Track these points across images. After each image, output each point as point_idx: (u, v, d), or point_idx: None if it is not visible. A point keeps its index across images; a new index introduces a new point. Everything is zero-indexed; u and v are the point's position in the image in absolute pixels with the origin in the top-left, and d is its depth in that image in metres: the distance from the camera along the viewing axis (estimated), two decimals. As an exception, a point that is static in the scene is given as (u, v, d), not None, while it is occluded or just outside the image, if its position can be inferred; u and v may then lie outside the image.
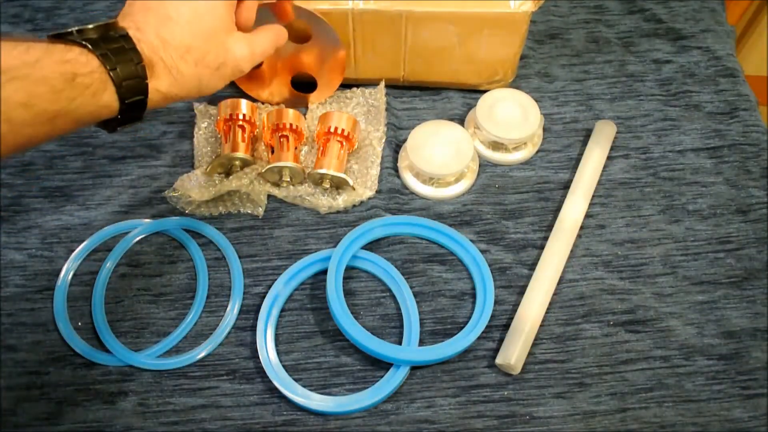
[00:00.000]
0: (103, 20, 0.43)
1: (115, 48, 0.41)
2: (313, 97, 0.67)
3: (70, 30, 0.41)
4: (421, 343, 0.54)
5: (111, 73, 0.41)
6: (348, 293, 0.57)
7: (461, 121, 0.67)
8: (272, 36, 0.53)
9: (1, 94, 0.36)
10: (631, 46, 0.73)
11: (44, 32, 0.73)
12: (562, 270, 0.58)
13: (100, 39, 0.41)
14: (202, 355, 0.54)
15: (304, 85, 0.67)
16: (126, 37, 0.43)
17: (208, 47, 0.47)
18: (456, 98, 0.69)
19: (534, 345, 0.54)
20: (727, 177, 0.64)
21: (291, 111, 0.61)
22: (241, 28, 0.50)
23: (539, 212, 0.62)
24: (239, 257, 0.59)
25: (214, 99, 0.68)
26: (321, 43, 0.62)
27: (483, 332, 0.54)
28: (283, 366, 0.53)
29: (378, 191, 0.62)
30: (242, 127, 0.61)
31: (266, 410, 0.52)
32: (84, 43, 0.41)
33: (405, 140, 0.64)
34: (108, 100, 0.41)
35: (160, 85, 0.44)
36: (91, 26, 0.42)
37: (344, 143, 0.61)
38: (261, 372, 0.53)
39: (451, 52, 0.64)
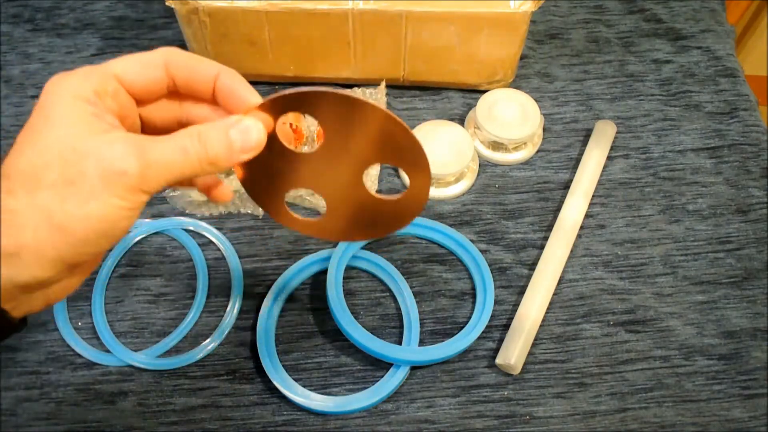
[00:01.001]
0: None
1: None
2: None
3: None
4: (421, 343, 0.54)
5: None
6: (348, 293, 0.57)
7: (461, 121, 0.67)
8: (189, 143, 0.33)
9: None
10: (631, 46, 0.73)
11: (44, 32, 0.74)
12: (562, 270, 0.58)
13: None
14: (202, 355, 0.54)
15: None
16: None
17: (42, 161, 0.30)
18: (456, 98, 0.69)
19: (534, 345, 0.54)
20: (727, 177, 0.64)
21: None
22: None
23: (539, 212, 0.62)
24: (239, 257, 0.59)
25: (214, 99, 0.68)
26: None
27: (483, 332, 0.54)
28: (283, 366, 0.53)
29: (378, 191, 0.62)
30: (242, 127, 0.61)
31: (266, 410, 0.52)
32: None
33: (405, 140, 0.63)
34: None
35: None
36: None
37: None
38: (261, 372, 0.53)
39: (451, 52, 0.64)
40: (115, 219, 0.31)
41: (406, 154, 0.39)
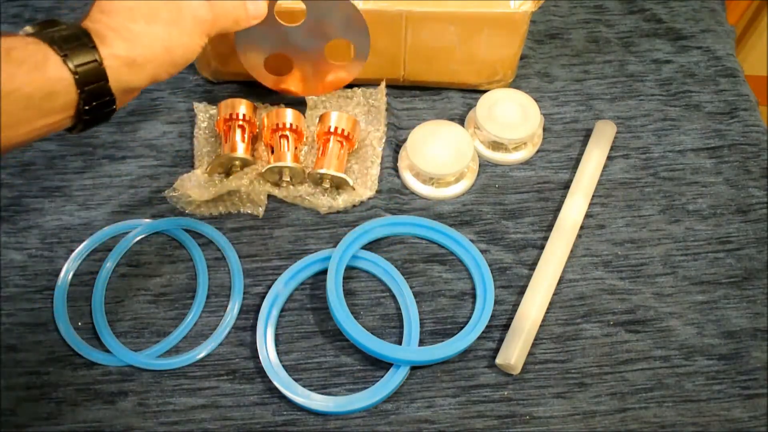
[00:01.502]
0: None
1: (49, 23, 0.41)
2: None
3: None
4: (421, 343, 0.54)
5: (49, 44, 0.39)
6: (348, 293, 0.57)
7: (461, 121, 0.67)
8: None
9: None
10: (631, 46, 0.73)
11: (44, 32, 0.74)
12: (562, 270, 0.58)
13: (34, 26, 0.42)
14: (202, 355, 0.54)
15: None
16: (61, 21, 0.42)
17: (155, 2, 0.45)
18: (456, 98, 0.69)
19: (534, 345, 0.54)
20: (727, 177, 0.64)
21: (291, 111, 0.61)
22: None
23: (539, 212, 0.62)
24: (239, 257, 0.59)
25: (214, 99, 0.68)
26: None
27: (483, 332, 0.54)
28: (283, 366, 0.53)
29: (378, 191, 0.62)
30: (242, 127, 0.61)
31: (266, 410, 0.52)
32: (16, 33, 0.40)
33: (405, 140, 0.64)
34: (55, 71, 0.39)
35: (115, 50, 0.42)
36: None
37: (344, 143, 0.61)
38: (261, 372, 0.53)
39: (451, 52, 0.64)
40: (193, 51, 0.48)
41: (353, 30, 0.59)
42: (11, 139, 0.39)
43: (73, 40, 0.40)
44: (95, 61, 0.40)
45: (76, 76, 0.40)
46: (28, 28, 0.42)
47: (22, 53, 0.38)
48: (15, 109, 0.37)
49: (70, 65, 0.39)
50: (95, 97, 0.41)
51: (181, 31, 0.46)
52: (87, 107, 0.41)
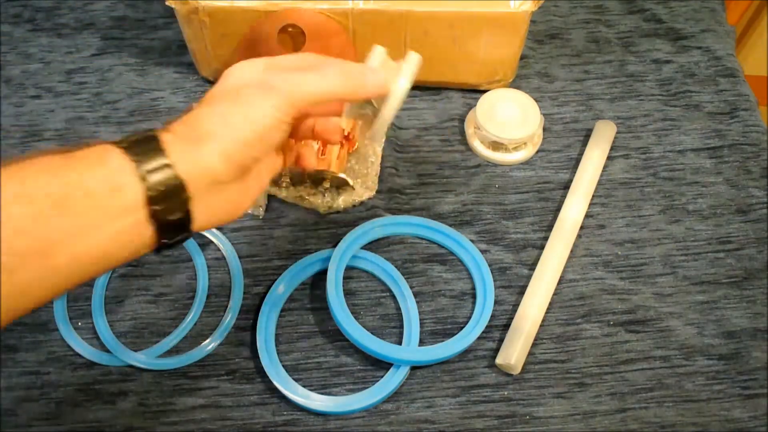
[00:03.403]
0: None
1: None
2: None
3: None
4: (421, 343, 0.54)
5: (145, 196, 0.34)
6: (348, 293, 0.57)
7: (461, 121, 0.67)
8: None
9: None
10: (631, 46, 0.73)
11: (44, 32, 0.74)
12: (562, 270, 0.58)
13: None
14: (202, 355, 0.54)
15: None
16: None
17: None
18: (456, 98, 0.69)
19: (534, 345, 0.54)
20: (727, 177, 0.64)
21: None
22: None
23: (539, 212, 0.62)
24: (239, 257, 0.59)
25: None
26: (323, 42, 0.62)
27: (483, 332, 0.54)
28: (283, 366, 0.53)
29: (378, 191, 0.62)
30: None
31: (266, 410, 0.52)
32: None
33: (405, 140, 0.64)
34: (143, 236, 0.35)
35: (198, 224, 0.37)
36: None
37: (344, 143, 0.61)
38: (261, 372, 0.53)
39: (451, 52, 0.64)
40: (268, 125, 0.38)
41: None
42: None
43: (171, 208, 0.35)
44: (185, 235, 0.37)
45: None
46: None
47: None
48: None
49: (158, 218, 0.35)
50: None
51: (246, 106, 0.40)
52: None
